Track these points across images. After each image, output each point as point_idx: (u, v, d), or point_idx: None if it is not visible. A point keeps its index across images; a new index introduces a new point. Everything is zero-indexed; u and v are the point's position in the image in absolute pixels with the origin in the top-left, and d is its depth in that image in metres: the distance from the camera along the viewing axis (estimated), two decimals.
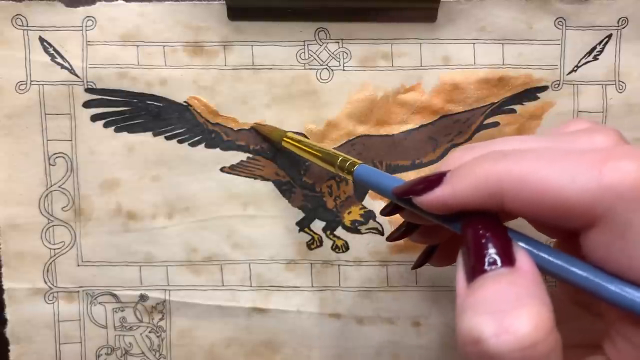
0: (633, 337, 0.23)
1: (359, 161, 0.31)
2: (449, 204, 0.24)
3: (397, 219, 0.38)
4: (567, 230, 0.23)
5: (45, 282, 0.38)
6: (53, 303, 0.39)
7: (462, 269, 0.23)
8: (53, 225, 0.38)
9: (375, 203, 0.38)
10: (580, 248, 0.23)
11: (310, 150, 0.35)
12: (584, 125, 0.26)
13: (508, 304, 0.20)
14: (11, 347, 0.39)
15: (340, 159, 0.32)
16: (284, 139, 0.36)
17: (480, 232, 0.23)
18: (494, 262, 0.22)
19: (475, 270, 0.22)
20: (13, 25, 0.36)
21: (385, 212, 0.31)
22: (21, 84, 0.37)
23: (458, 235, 0.25)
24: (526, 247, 0.23)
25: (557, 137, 0.25)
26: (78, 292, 0.39)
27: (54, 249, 0.38)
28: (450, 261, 0.32)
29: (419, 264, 0.33)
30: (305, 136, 0.37)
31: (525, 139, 0.25)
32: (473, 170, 0.23)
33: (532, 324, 0.19)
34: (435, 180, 0.25)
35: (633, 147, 0.22)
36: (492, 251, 0.22)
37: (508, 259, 0.22)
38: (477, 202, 0.23)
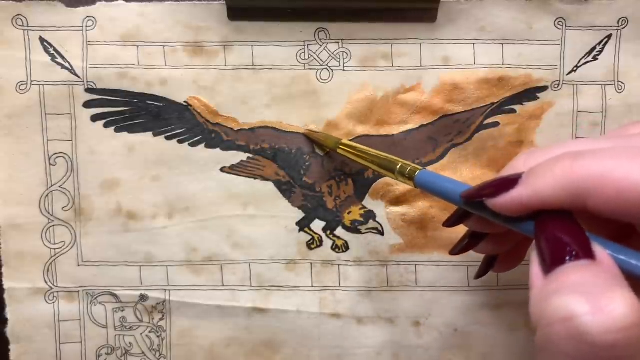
0: None
1: (419, 167, 0.30)
2: (527, 204, 0.24)
3: (398, 219, 0.38)
4: (623, 227, 0.23)
5: (46, 282, 0.39)
6: (53, 303, 0.39)
7: (537, 264, 0.23)
8: (53, 225, 0.38)
9: (375, 203, 0.38)
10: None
11: (367, 156, 0.34)
12: None
13: (598, 287, 0.20)
14: (11, 347, 0.39)
15: (400, 165, 0.31)
16: (340, 146, 0.35)
17: (558, 228, 0.23)
18: (574, 255, 0.22)
19: (554, 262, 0.22)
20: (13, 25, 0.36)
21: (450, 222, 0.30)
22: (21, 84, 0.37)
23: (521, 242, 0.25)
24: (605, 245, 0.23)
25: (624, 139, 0.25)
26: (78, 292, 0.39)
27: (55, 249, 0.38)
28: (511, 266, 0.32)
29: (481, 273, 0.33)
30: (306, 137, 0.37)
31: (596, 139, 0.25)
32: (553, 169, 0.23)
33: (628, 308, 0.19)
34: (511, 181, 0.25)
35: None
36: (571, 245, 0.22)
37: (588, 253, 0.22)
38: (558, 201, 0.23)
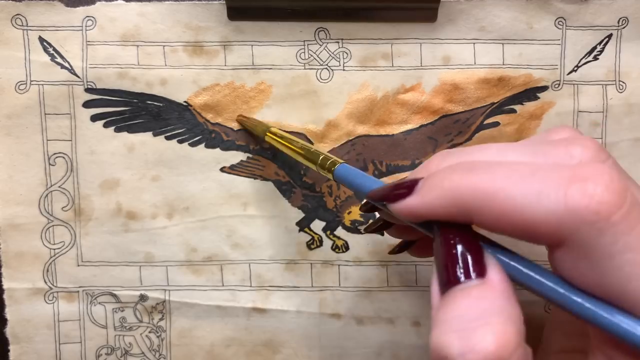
0: (609, 353, 0.23)
1: (340, 160, 0.31)
2: (419, 214, 0.24)
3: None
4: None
5: (45, 282, 0.38)
6: (53, 303, 0.39)
7: (436, 278, 0.23)
8: (53, 225, 0.38)
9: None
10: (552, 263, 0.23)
11: (292, 147, 0.34)
12: (566, 134, 0.26)
13: (475, 321, 0.20)
14: (11, 347, 0.39)
15: (321, 157, 0.32)
16: (267, 133, 0.36)
17: (452, 241, 0.23)
18: (465, 274, 0.22)
19: (447, 282, 0.22)
20: (13, 25, 0.36)
21: (363, 209, 0.30)
22: (21, 84, 0.37)
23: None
24: (500, 257, 0.23)
25: (534, 148, 0.24)
26: (78, 292, 0.39)
27: (54, 249, 0.38)
28: (428, 254, 0.32)
29: (395, 251, 0.33)
30: (306, 137, 0.37)
31: (503, 149, 0.25)
32: (442, 182, 0.23)
33: (497, 343, 0.20)
34: (408, 188, 0.25)
35: (602, 166, 0.21)
36: (462, 262, 0.22)
37: (478, 270, 0.22)
38: (445, 214, 0.23)
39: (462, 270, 0.22)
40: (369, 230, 0.32)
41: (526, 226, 0.21)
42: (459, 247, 0.23)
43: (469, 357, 0.20)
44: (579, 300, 0.22)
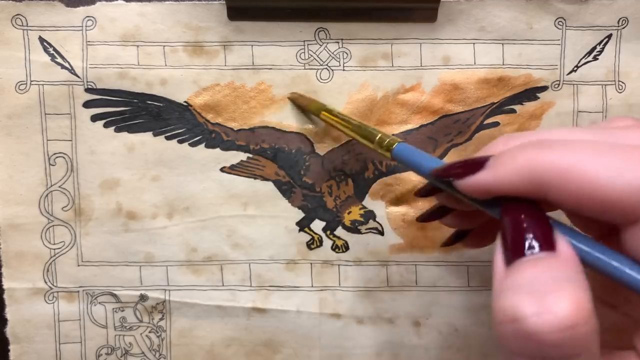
0: None
1: (398, 139, 0.30)
2: (489, 189, 0.24)
3: (398, 219, 0.38)
4: (607, 225, 0.23)
5: (46, 282, 0.39)
6: (53, 303, 0.39)
7: (501, 252, 0.23)
8: (53, 225, 0.38)
9: (375, 203, 0.38)
10: (620, 244, 0.22)
11: (348, 125, 0.34)
12: (630, 122, 0.26)
13: (548, 286, 0.20)
14: (11, 347, 0.39)
15: (379, 135, 0.31)
16: (323, 112, 0.35)
17: (521, 217, 0.23)
18: (534, 247, 0.22)
19: (515, 253, 0.22)
20: (13, 25, 0.36)
21: (421, 193, 0.30)
22: (21, 84, 0.37)
23: (493, 220, 0.25)
24: (567, 236, 0.23)
25: (604, 130, 0.25)
26: (78, 292, 0.39)
27: (54, 249, 0.38)
28: (482, 244, 0.32)
29: (449, 242, 0.33)
30: (306, 137, 0.37)
31: (573, 130, 0.25)
32: (516, 157, 0.23)
33: (573, 306, 0.19)
34: (478, 164, 0.24)
35: None
36: (532, 236, 0.22)
37: (548, 244, 0.22)
38: (519, 190, 0.23)
39: (532, 243, 0.22)
40: (423, 218, 0.32)
41: (606, 201, 0.21)
42: (529, 222, 0.23)
43: (543, 317, 0.19)
44: None
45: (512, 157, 0.23)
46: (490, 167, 0.24)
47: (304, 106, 0.37)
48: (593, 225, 0.27)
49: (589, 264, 0.22)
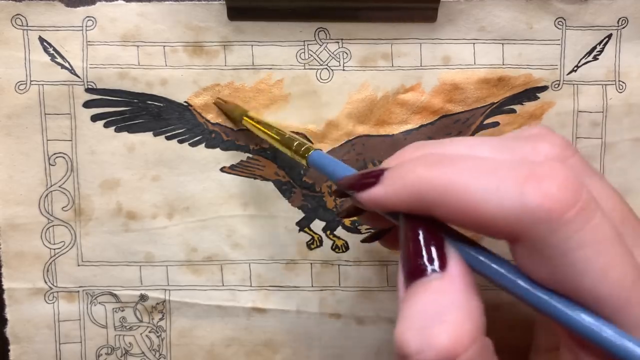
0: (574, 350, 0.23)
1: (314, 147, 0.31)
2: (382, 205, 0.24)
3: None
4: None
5: (46, 282, 0.38)
6: (53, 303, 0.39)
7: (401, 270, 0.24)
8: (53, 225, 0.38)
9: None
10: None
11: (267, 132, 0.34)
12: (537, 130, 0.26)
13: (433, 316, 0.21)
14: (11, 347, 0.39)
15: (296, 143, 0.32)
16: (244, 117, 0.36)
17: (413, 232, 0.24)
18: (426, 266, 0.23)
19: (409, 274, 0.23)
20: (13, 25, 0.36)
21: (335, 194, 0.31)
22: (21, 84, 0.37)
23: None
24: (463, 248, 0.23)
25: (504, 143, 0.25)
26: (78, 292, 0.39)
27: (54, 249, 0.38)
28: (396, 246, 0.32)
29: (367, 240, 0.33)
30: (306, 136, 0.37)
31: (473, 144, 0.25)
32: (404, 174, 0.24)
33: (452, 338, 0.20)
34: (374, 177, 0.25)
35: (559, 165, 0.22)
36: (424, 254, 0.23)
37: (439, 263, 0.23)
38: (407, 207, 0.24)
39: (423, 262, 0.23)
40: (342, 215, 0.32)
41: (483, 221, 0.22)
42: (421, 239, 0.23)
43: (425, 354, 0.20)
44: (540, 294, 0.22)
45: (401, 174, 0.24)
46: (382, 182, 0.24)
47: (228, 112, 0.37)
48: None
49: (485, 275, 0.23)
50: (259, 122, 0.35)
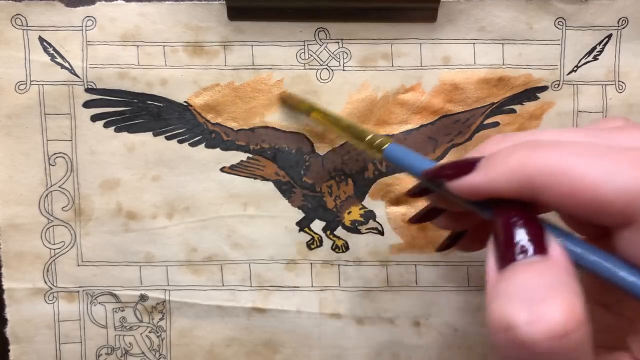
0: None
1: (390, 139, 0.30)
2: (481, 191, 0.24)
3: (398, 219, 0.38)
4: (599, 227, 0.23)
5: (46, 282, 0.39)
6: (53, 303, 0.39)
7: (493, 256, 0.23)
8: (53, 225, 0.38)
9: (375, 203, 0.38)
10: (612, 246, 0.22)
11: (339, 125, 0.34)
12: (621, 122, 0.26)
13: (540, 292, 0.20)
14: (11, 347, 0.39)
15: (370, 135, 0.31)
16: (313, 113, 0.35)
17: (513, 219, 0.23)
18: (526, 251, 0.22)
19: (507, 258, 0.22)
20: (12, 25, 0.36)
21: (411, 193, 0.30)
22: (21, 84, 0.37)
23: (485, 222, 0.25)
24: (560, 238, 0.23)
25: (596, 131, 0.24)
26: (78, 292, 0.39)
27: (54, 249, 0.38)
28: (477, 247, 0.32)
29: (444, 247, 0.32)
30: (305, 136, 0.37)
31: (565, 130, 0.25)
32: (508, 158, 0.23)
33: (565, 314, 0.19)
34: (469, 165, 0.24)
35: None
36: (524, 239, 0.22)
37: (540, 248, 0.22)
38: (510, 191, 0.23)
39: (523, 247, 0.22)
40: (414, 219, 0.32)
41: (597, 203, 0.21)
42: (520, 225, 0.23)
43: (535, 326, 0.19)
44: None
45: (504, 158, 0.23)
46: (482, 168, 0.24)
47: (294, 106, 0.37)
48: (586, 227, 0.27)
49: (582, 266, 0.22)
50: (327, 116, 0.35)
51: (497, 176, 0.23)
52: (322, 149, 0.38)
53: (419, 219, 0.32)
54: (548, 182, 0.22)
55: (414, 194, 0.30)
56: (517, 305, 0.20)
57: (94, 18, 0.36)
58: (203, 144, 0.38)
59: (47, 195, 0.38)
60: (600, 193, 0.21)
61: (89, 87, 0.37)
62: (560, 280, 0.21)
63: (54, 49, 0.37)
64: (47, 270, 0.38)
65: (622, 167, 0.21)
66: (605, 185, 0.21)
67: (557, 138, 0.24)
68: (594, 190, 0.21)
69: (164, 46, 0.37)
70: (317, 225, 0.38)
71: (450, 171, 0.25)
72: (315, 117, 0.35)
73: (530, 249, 0.22)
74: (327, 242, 0.39)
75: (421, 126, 0.37)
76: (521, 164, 0.23)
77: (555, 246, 0.22)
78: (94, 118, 0.37)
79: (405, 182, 0.38)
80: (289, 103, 0.37)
